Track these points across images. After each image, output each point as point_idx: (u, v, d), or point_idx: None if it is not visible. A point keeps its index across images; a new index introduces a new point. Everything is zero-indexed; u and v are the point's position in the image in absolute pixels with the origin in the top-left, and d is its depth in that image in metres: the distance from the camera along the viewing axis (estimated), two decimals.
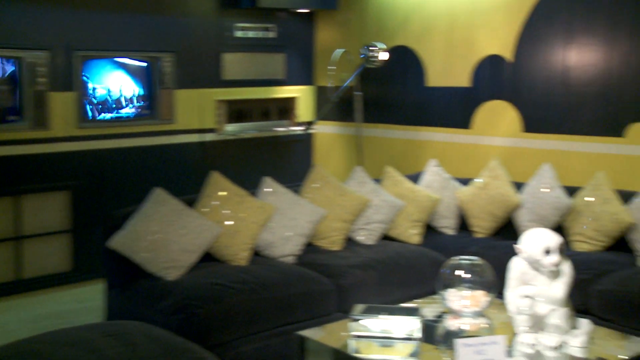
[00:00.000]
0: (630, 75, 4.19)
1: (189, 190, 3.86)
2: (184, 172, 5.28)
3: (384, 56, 5.24)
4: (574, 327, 2.75)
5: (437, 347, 2.74)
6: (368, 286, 3.60)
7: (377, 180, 4.40)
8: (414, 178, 4.58)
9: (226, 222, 3.62)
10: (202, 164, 5.28)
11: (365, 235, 4.10)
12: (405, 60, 5.45)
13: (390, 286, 3.69)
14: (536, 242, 2.73)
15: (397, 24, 5.48)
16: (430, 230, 4.39)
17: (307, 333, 2.94)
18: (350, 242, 4.07)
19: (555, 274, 2.75)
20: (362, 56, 5.29)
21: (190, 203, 3.65)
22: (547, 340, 2.68)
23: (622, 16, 4.21)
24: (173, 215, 3.47)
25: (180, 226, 3.45)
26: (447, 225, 4.42)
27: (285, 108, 6.01)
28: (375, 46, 5.23)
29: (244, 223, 3.66)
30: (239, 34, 5.59)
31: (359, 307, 2.86)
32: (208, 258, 3.58)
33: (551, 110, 4.61)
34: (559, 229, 3.97)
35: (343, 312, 3.29)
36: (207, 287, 3.22)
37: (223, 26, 5.52)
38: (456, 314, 2.87)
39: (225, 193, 3.72)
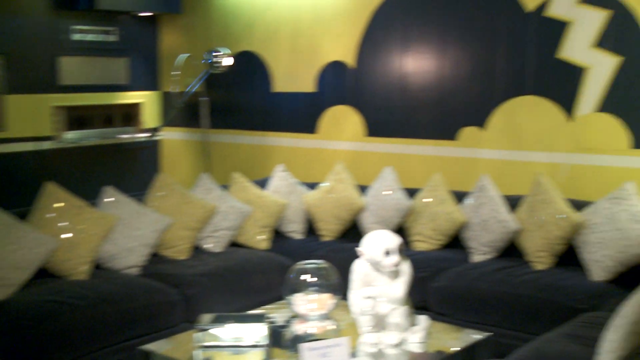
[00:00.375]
0: (460, 82, 4.46)
1: (23, 203, 3.62)
2: (18, 183, 4.93)
3: (228, 61, 5.21)
4: (413, 324, 2.87)
5: (286, 352, 2.75)
6: (216, 295, 3.55)
7: (225, 187, 4.37)
8: (262, 183, 4.59)
9: (63, 235, 3.43)
10: (38, 174, 4.94)
11: (213, 243, 4.05)
12: (251, 65, 5.45)
13: (238, 293, 3.67)
14: (376, 244, 2.81)
15: (242, 29, 5.47)
16: (278, 235, 4.42)
17: (152, 347, 2.85)
18: (197, 250, 4.00)
19: (395, 273, 2.84)
20: (205, 61, 5.22)
21: (23, 216, 3.42)
22: (389, 338, 2.77)
23: (452, 26, 4.46)
24: (1, 230, 3.22)
25: (10, 241, 3.21)
26: (295, 229, 4.47)
27: (129, 114, 5.80)
28: (219, 51, 5.19)
29: (83, 235, 3.49)
30: (76, 36, 5.32)
31: (207, 317, 2.81)
32: (44, 274, 3.37)
33: (391, 114, 4.80)
34: (400, 229, 4.15)
35: (190, 322, 3.22)
36: (41, 304, 3.02)
37: (59, 28, 5.22)
38: (303, 318, 2.90)
39: (62, 204, 3.53)
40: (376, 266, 2.83)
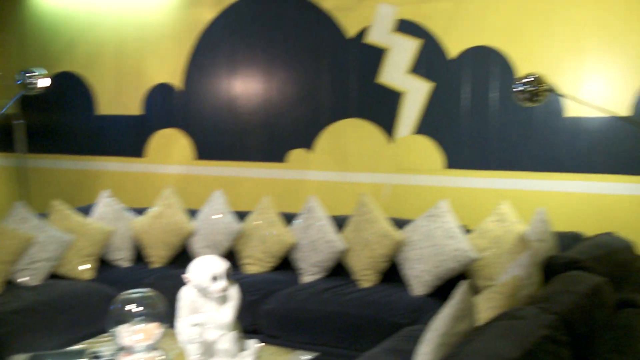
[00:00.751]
0: (287, 105, 4.54)
1: None
2: None
3: (44, 82, 4.89)
4: (242, 349, 2.85)
5: None
6: (31, 332, 3.30)
7: (44, 215, 4.10)
8: (86, 210, 4.37)
9: None
10: None
11: (29, 276, 3.77)
12: (73, 87, 5.20)
13: (58, 329, 3.44)
14: (203, 270, 2.77)
15: (62, 49, 5.21)
16: (104, 264, 4.22)
17: None
18: (10, 285, 3.70)
19: (223, 299, 2.81)
20: (18, 82, 4.88)
21: None
22: None
23: (278, 50, 4.55)
24: None
25: None
26: (122, 257, 4.29)
27: None
28: (34, 72, 4.87)
29: None
30: None
31: (19, 358, 2.61)
32: None
33: (221, 137, 4.78)
34: (231, 253, 4.13)
35: None
36: None
37: None
38: (129, 350, 2.77)
39: None
40: (203, 292, 2.79)
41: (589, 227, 3.55)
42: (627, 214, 3.54)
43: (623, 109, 3.54)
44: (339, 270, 3.92)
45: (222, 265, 2.80)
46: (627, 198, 3.55)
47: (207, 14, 4.76)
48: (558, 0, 3.69)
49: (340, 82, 4.36)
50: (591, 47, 3.62)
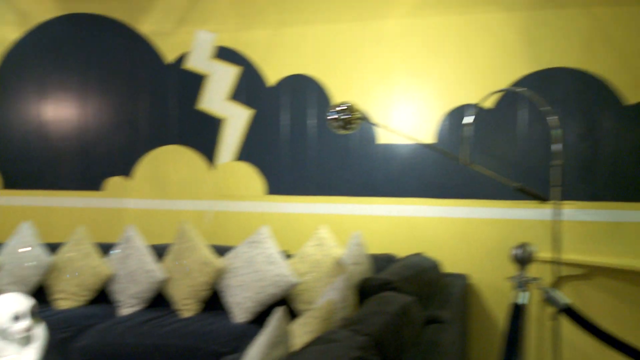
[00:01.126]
0: (103, 131, 4.36)
1: None
2: None
3: None
4: None
5: None
6: None
7: None
8: None
9: None
10: None
11: None
12: None
13: None
14: (3, 310, 2.55)
15: None
16: None
17: None
18: None
19: (27, 339, 2.61)
20: None
21: None
22: None
23: (93, 74, 4.36)
24: None
25: None
26: None
27: None
28: None
29: None
30: None
31: None
32: None
33: (31, 165, 4.48)
34: (41, 288, 3.86)
35: None
36: None
37: None
38: None
39: None
40: (4, 334, 2.56)
41: (401, 249, 3.74)
42: (433, 235, 3.78)
43: (429, 137, 3.79)
44: (159, 301, 3.80)
45: (25, 302, 2.60)
46: (434, 220, 3.79)
47: (11, 33, 4.46)
48: (368, 34, 3.89)
49: (160, 108, 4.26)
50: (398, 79, 3.85)
